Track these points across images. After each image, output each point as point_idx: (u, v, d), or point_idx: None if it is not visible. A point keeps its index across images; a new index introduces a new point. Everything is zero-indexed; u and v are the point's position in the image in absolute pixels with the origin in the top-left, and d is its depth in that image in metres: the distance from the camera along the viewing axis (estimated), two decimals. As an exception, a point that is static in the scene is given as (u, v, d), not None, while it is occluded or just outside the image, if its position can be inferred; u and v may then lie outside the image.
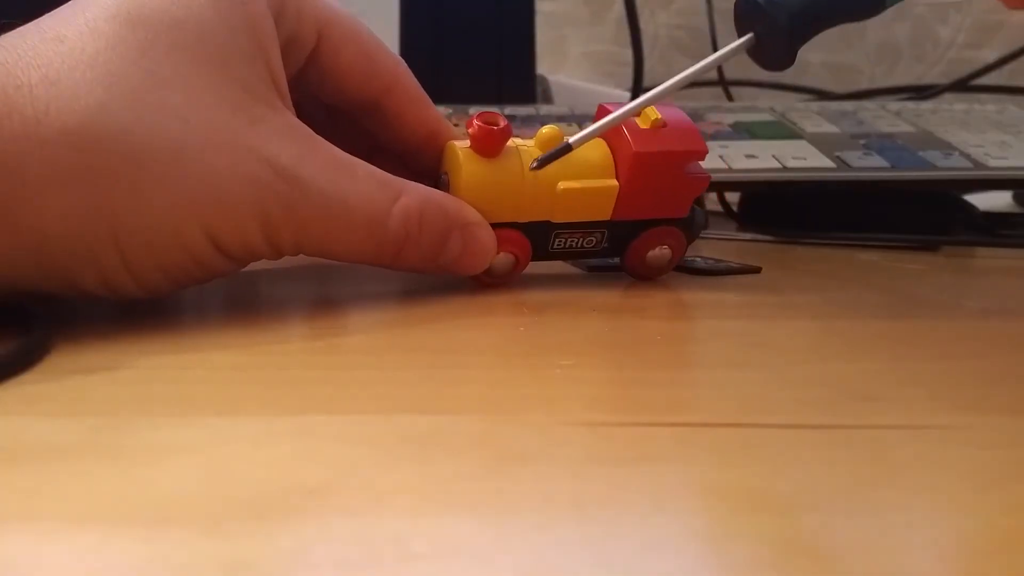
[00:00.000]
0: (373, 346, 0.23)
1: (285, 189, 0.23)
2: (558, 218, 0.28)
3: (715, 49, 0.72)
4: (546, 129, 0.28)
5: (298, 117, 0.25)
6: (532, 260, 0.29)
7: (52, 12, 0.22)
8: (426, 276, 0.30)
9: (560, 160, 0.27)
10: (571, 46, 0.88)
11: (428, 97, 0.30)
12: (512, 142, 0.28)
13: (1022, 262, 0.39)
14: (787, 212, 0.44)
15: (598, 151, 0.29)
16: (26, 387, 0.18)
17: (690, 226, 0.30)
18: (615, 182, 0.28)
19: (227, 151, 0.22)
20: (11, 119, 0.20)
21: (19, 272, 0.21)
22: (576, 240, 0.29)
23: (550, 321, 0.25)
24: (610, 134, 0.29)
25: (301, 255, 0.26)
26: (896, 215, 0.43)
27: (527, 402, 0.18)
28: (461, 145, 0.28)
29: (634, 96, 0.65)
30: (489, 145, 0.27)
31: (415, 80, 0.30)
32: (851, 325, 0.26)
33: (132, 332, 0.23)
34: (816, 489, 0.14)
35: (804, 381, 0.20)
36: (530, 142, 0.28)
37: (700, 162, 0.29)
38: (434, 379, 0.20)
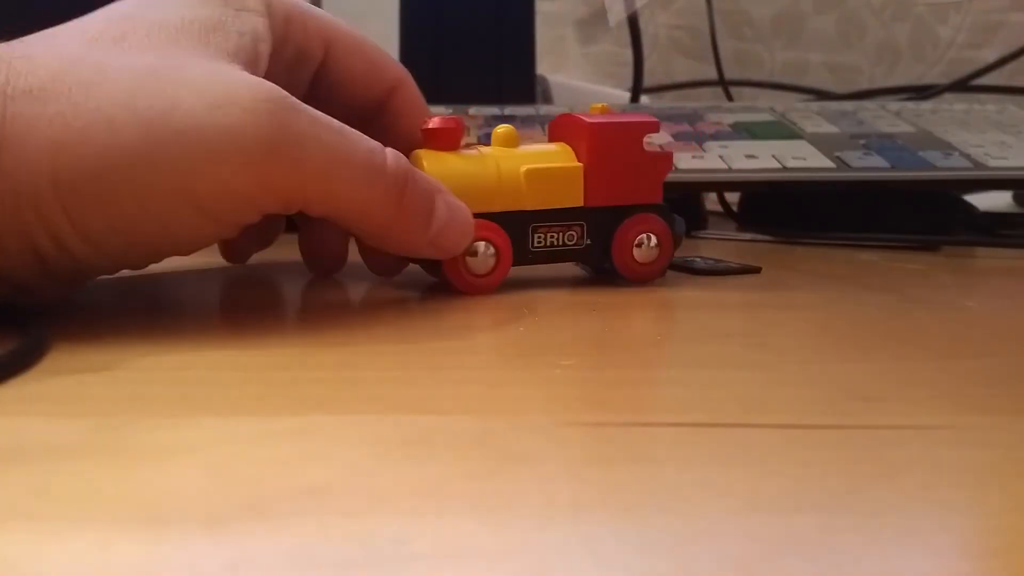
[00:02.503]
0: (373, 346, 0.23)
1: (273, 108, 0.21)
2: (530, 204, 0.29)
3: (715, 49, 0.73)
4: (501, 128, 0.29)
5: None
6: (516, 264, 0.29)
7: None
8: (425, 277, 0.30)
9: (521, 152, 0.29)
10: (571, 46, 0.88)
11: (425, 103, 0.31)
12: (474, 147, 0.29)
13: (1022, 262, 0.39)
14: (787, 212, 0.44)
15: (557, 145, 0.30)
16: (26, 387, 0.18)
17: (668, 214, 0.30)
18: (578, 163, 0.29)
19: (196, 81, 0.21)
20: None
21: None
22: (556, 236, 0.29)
23: (550, 321, 0.25)
24: (565, 133, 0.30)
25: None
26: (896, 215, 0.43)
27: (527, 402, 0.18)
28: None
29: (634, 96, 0.65)
30: (444, 138, 0.28)
31: (415, 86, 0.30)
32: (851, 325, 0.26)
33: (132, 332, 0.23)
34: (816, 489, 0.14)
35: (804, 381, 0.20)
36: (488, 147, 0.29)
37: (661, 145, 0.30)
38: (434, 379, 0.20)
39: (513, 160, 0.29)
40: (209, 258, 0.34)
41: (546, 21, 0.80)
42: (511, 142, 0.29)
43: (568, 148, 0.30)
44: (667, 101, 0.78)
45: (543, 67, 0.64)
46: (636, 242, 0.30)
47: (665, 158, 0.30)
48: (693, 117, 0.49)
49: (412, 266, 0.31)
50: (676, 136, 0.46)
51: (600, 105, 0.31)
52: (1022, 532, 0.13)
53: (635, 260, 0.30)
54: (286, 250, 0.35)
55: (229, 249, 0.32)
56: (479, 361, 0.21)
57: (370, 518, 0.13)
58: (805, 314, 0.27)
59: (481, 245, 0.28)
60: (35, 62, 0.21)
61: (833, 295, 0.30)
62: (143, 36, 0.22)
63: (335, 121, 0.23)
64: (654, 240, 0.30)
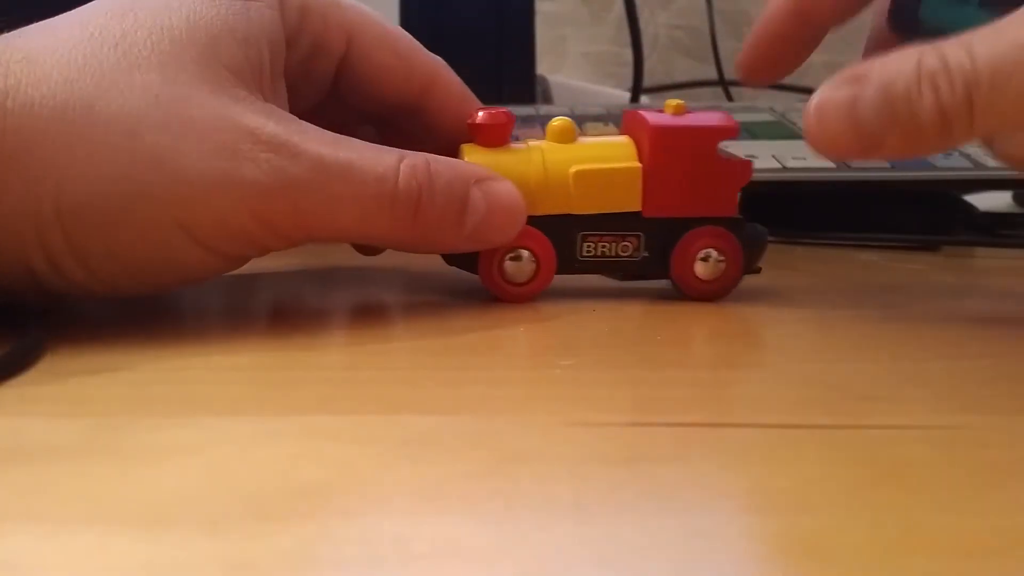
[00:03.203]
0: (373, 346, 0.23)
1: (270, 156, 0.21)
2: (578, 208, 0.26)
3: (715, 49, 0.73)
4: (557, 120, 0.27)
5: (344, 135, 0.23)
6: (560, 271, 0.27)
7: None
8: (427, 279, 0.30)
9: (575, 148, 0.26)
10: (571, 46, 0.88)
11: (471, 93, 0.29)
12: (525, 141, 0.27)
13: (1022, 262, 0.39)
14: (787, 212, 0.44)
15: (619, 140, 0.27)
16: (26, 388, 0.18)
17: (742, 228, 0.27)
18: (637, 163, 0.26)
19: (199, 122, 0.21)
20: None
21: None
22: (608, 246, 0.27)
23: (550, 321, 0.25)
24: (631, 128, 0.27)
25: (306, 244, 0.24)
26: (896, 215, 0.43)
27: (527, 402, 0.18)
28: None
29: (634, 96, 0.65)
30: (490, 133, 0.26)
31: (456, 77, 0.28)
32: (851, 325, 0.26)
33: (131, 332, 0.23)
34: (816, 489, 0.14)
35: (804, 381, 0.20)
36: (542, 141, 0.27)
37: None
38: (434, 379, 0.20)
39: (563, 158, 0.26)
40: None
41: (546, 21, 0.80)
42: (566, 136, 0.27)
43: (631, 144, 0.27)
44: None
45: (543, 67, 0.64)
46: (700, 256, 0.27)
47: (743, 167, 0.27)
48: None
49: (408, 265, 0.31)
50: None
51: (675, 102, 0.27)
52: (1022, 532, 0.13)
53: (696, 276, 0.27)
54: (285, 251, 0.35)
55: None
56: (479, 361, 0.21)
57: (370, 518, 0.13)
58: (805, 314, 0.27)
59: (521, 253, 0.26)
60: (36, 69, 0.20)
61: (833, 295, 0.30)
62: (144, 40, 0.22)
63: (343, 149, 0.23)
64: (718, 256, 0.27)
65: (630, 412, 0.18)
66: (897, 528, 0.13)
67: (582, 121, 0.49)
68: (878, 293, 0.31)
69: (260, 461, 0.15)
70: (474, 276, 0.27)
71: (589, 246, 0.27)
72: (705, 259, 0.27)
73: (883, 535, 0.12)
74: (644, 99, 0.67)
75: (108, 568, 0.11)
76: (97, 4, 0.23)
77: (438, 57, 0.28)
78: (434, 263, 0.31)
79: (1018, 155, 0.24)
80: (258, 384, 0.19)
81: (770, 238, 0.28)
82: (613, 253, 0.27)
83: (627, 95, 0.68)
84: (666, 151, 0.26)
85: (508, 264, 0.26)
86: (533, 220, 0.26)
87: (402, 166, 0.23)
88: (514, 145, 0.26)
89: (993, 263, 0.40)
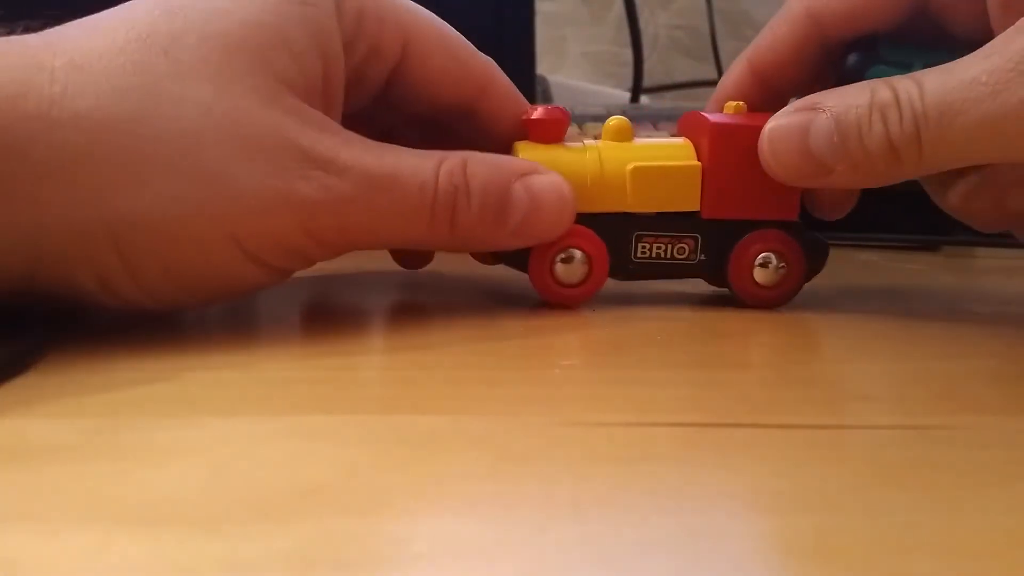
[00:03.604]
0: (373, 347, 0.23)
1: (319, 174, 0.21)
2: (635, 206, 0.26)
3: (715, 49, 0.73)
4: (613, 120, 0.26)
5: (389, 138, 0.23)
6: (613, 274, 0.26)
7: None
8: (427, 280, 0.30)
9: (632, 147, 0.26)
10: (571, 46, 0.88)
11: (521, 95, 0.28)
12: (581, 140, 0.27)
13: (1022, 262, 0.39)
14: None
15: (677, 141, 0.27)
16: (26, 388, 0.18)
17: (801, 233, 0.26)
18: (696, 162, 0.26)
19: (251, 141, 0.21)
20: (26, 99, 0.19)
21: (15, 266, 0.20)
22: (663, 248, 0.26)
23: (550, 321, 0.25)
24: (690, 129, 0.27)
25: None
26: (896, 215, 0.43)
27: (527, 402, 0.18)
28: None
29: (634, 96, 0.65)
30: (546, 129, 0.26)
31: (507, 79, 0.28)
32: (851, 325, 0.26)
33: (131, 333, 0.23)
34: (816, 489, 0.14)
35: (804, 381, 0.20)
36: (598, 140, 0.27)
37: None
38: (434, 379, 0.20)
39: (620, 156, 0.26)
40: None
41: (546, 21, 0.80)
42: (624, 136, 0.26)
43: (689, 144, 0.26)
44: (667, 101, 0.78)
45: (543, 67, 0.64)
46: (759, 261, 0.26)
47: None
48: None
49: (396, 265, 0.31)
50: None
51: (735, 104, 0.27)
52: (1022, 532, 0.13)
53: (755, 282, 0.26)
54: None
55: (400, 257, 0.31)
56: (479, 361, 0.21)
57: (370, 518, 0.13)
58: (805, 314, 0.27)
59: (573, 253, 0.26)
60: (83, 76, 0.20)
61: (833, 295, 0.30)
62: (195, 46, 0.21)
63: (388, 160, 0.23)
64: (778, 261, 0.26)
65: (630, 412, 0.18)
66: (897, 528, 0.13)
67: (582, 121, 0.49)
68: (878, 293, 0.31)
69: (260, 461, 0.15)
70: (470, 277, 0.27)
71: (644, 247, 0.26)
72: (765, 264, 0.26)
73: (883, 535, 0.12)
74: (644, 99, 0.67)
75: (108, 568, 0.11)
76: (142, 1, 0.22)
77: (489, 58, 0.27)
78: (434, 263, 0.31)
79: (958, 205, 0.25)
80: (258, 384, 0.19)
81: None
82: (669, 255, 0.26)
83: (627, 95, 0.68)
84: (726, 150, 0.26)
85: (559, 266, 0.26)
86: (586, 220, 0.26)
87: (441, 171, 0.23)
88: (569, 144, 0.26)
89: (993, 263, 0.40)
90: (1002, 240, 0.43)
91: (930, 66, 0.23)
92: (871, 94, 0.23)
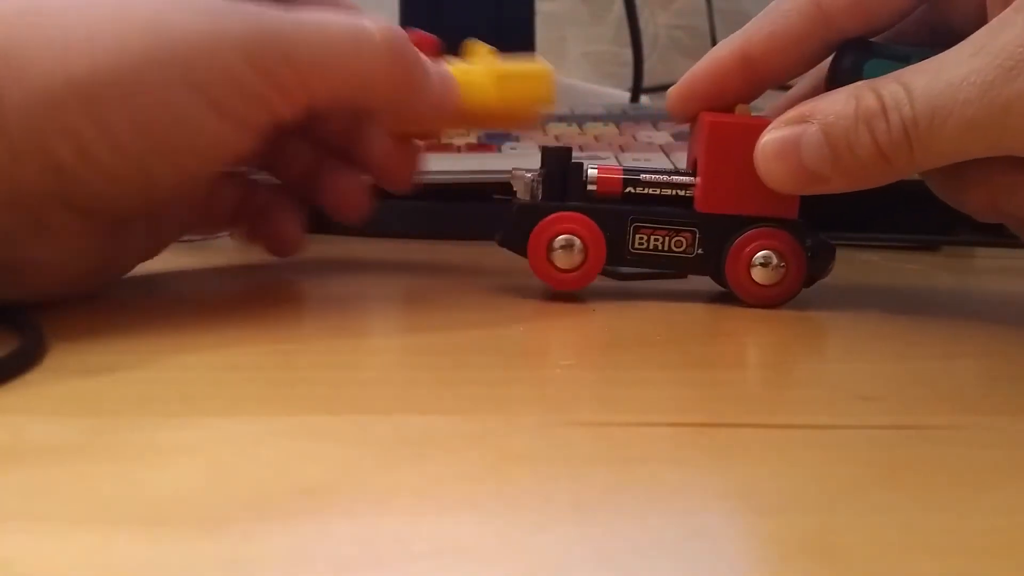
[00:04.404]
0: (373, 346, 0.23)
1: (253, 8, 0.23)
2: (498, 104, 0.28)
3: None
4: (475, 44, 0.29)
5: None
6: (610, 263, 0.27)
7: None
8: (428, 280, 0.30)
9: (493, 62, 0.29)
10: (571, 46, 0.88)
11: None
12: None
13: (1022, 262, 0.39)
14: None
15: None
16: (26, 387, 0.18)
17: (802, 233, 0.27)
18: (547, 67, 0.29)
19: None
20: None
21: None
22: (661, 240, 0.27)
23: (550, 321, 0.25)
24: (696, 132, 0.28)
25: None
26: (896, 215, 0.43)
27: (527, 402, 0.18)
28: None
29: (634, 96, 0.65)
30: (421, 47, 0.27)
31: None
32: (851, 325, 0.26)
33: (131, 332, 0.23)
34: (816, 489, 0.14)
35: (804, 381, 0.20)
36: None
37: None
38: (434, 379, 0.20)
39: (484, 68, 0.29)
40: (208, 259, 0.35)
41: (546, 21, 0.80)
42: (486, 58, 0.29)
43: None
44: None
45: (543, 67, 0.63)
46: (758, 260, 0.26)
47: None
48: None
49: (408, 266, 0.31)
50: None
51: (741, 105, 0.27)
52: (1022, 532, 0.13)
53: (752, 280, 0.26)
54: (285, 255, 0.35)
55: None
56: (479, 361, 0.21)
57: (370, 518, 0.13)
58: (804, 314, 0.27)
59: (572, 240, 0.26)
60: None
61: (833, 295, 0.30)
62: None
63: (316, 13, 0.24)
64: (777, 260, 0.26)
65: (630, 412, 0.18)
66: (897, 528, 0.13)
67: (582, 121, 0.49)
68: (878, 293, 0.31)
69: (260, 461, 0.15)
70: (470, 277, 0.27)
71: (642, 238, 0.27)
72: (765, 263, 0.26)
73: (883, 535, 0.12)
74: (644, 99, 0.67)
75: (108, 568, 0.11)
76: None
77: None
78: (435, 264, 0.31)
79: (957, 199, 0.25)
80: (258, 384, 0.19)
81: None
82: (666, 247, 0.27)
83: (627, 95, 0.68)
84: (722, 146, 0.26)
85: (557, 252, 0.27)
86: (584, 208, 0.27)
87: (375, 24, 0.25)
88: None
89: (993, 263, 0.40)
90: (1002, 240, 0.43)
91: (926, 58, 0.23)
92: (856, 103, 0.23)
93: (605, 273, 0.28)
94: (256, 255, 0.33)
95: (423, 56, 0.26)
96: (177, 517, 0.13)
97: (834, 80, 0.26)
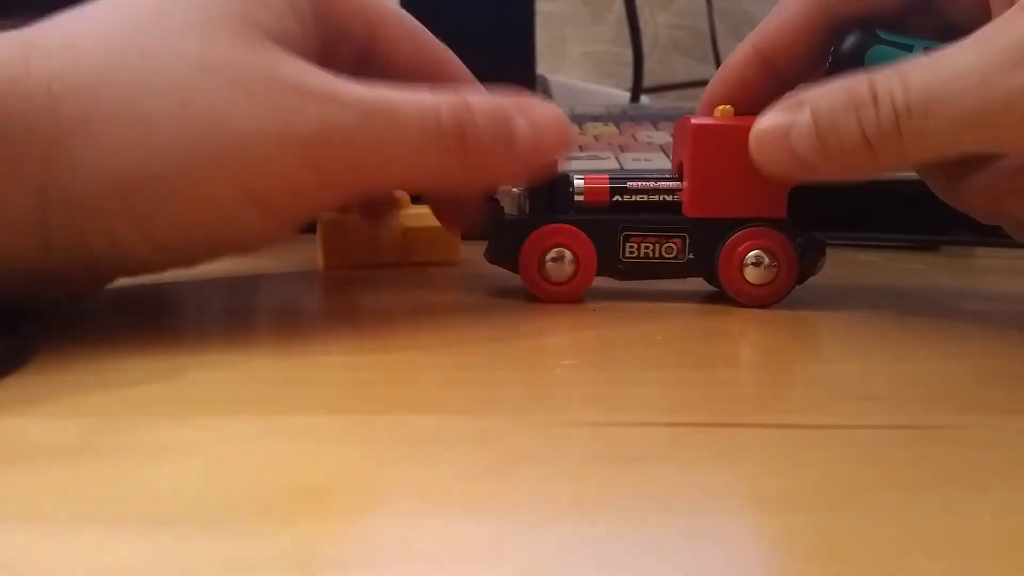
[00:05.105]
0: (373, 347, 0.23)
1: (317, 106, 0.21)
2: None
3: (715, 49, 0.73)
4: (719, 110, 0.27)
5: None
6: (603, 274, 0.27)
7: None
8: (428, 281, 0.30)
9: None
10: (571, 46, 0.88)
11: (475, 80, 0.29)
12: None
13: (1022, 262, 0.39)
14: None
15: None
16: (25, 387, 0.18)
17: (792, 231, 0.27)
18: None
19: (245, 84, 0.21)
20: (28, 78, 0.20)
21: (30, 241, 0.20)
22: (652, 247, 0.27)
23: (550, 321, 0.25)
24: (681, 136, 0.28)
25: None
26: (896, 215, 0.43)
27: (527, 402, 0.18)
28: None
29: (634, 96, 0.65)
30: None
31: (462, 64, 0.29)
32: (851, 325, 0.26)
33: (131, 332, 0.23)
34: (816, 489, 0.14)
35: (804, 381, 0.20)
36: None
37: None
38: (434, 379, 0.20)
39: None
40: (210, 266, 0.35)
41: (546, 21, 0.80)
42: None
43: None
44: (667, 101, 0.78)
45: (543, 67, 0.64)
46: (750, 260, 0.27)
47: None
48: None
49: (409, 267, 0.31)
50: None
51: (723, 107, 0.27)
52: (1022, 532, 0.13)
53: (745, 280, 0.27)
54: (284, 253, 0.35)
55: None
56: (479, 361, 0.21)
57: (370, 518, 0.13)
58: (804, 314, 0.27)
59: (562, 252, 0.27)
60: (80, 53, 0.20)
61: (833, 295, 0.30)
62: (180, 9, 0.22)
63: (382, 93, 0.23)
64: (769, 260, 0.26)
65: (630, 412, 0.18)
66: (897, 528, 0.13)
67: (582, 121, 0.49)
68: (878, 293, 0.31)
69: (260, 461, 0.15)
70: (469, 277, 0.27)
71: (632, 247, 0.27)
72: (756, 263, 0.26)
73: (883, 535, 0.12)
74: (644, 99, 0.67)
75: (108, 568, 0.11)
76: None
77: (445, 46, 0.28)
78: (434, 264, 0.31)
79: (957, 198, 0.25)
80: (258, 384, 0.19)
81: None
82: (657, 255, 0.27)
83: (627, 95, 0.68)
84: (708, 149, 0.26)
85: (548, 265, 0.27)
86: (574, 221, 0.26)
87: (442, 102, 0.23)
88: None
89: (993, 263, 0.40)
90: (1002, 240, 0.43)
91: (930, 47, 0.23)
92: (848, 91, 0.23)
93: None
94: (255, 261, 0.33)
95: (509, 115, 0.24)
96: (177, 517, 0.13)
97: (835, 66, 0.26)
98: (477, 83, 0.29)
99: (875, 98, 0.22)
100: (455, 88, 0.24)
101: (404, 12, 0.27)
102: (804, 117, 0.23)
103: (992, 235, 0.44)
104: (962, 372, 0.21)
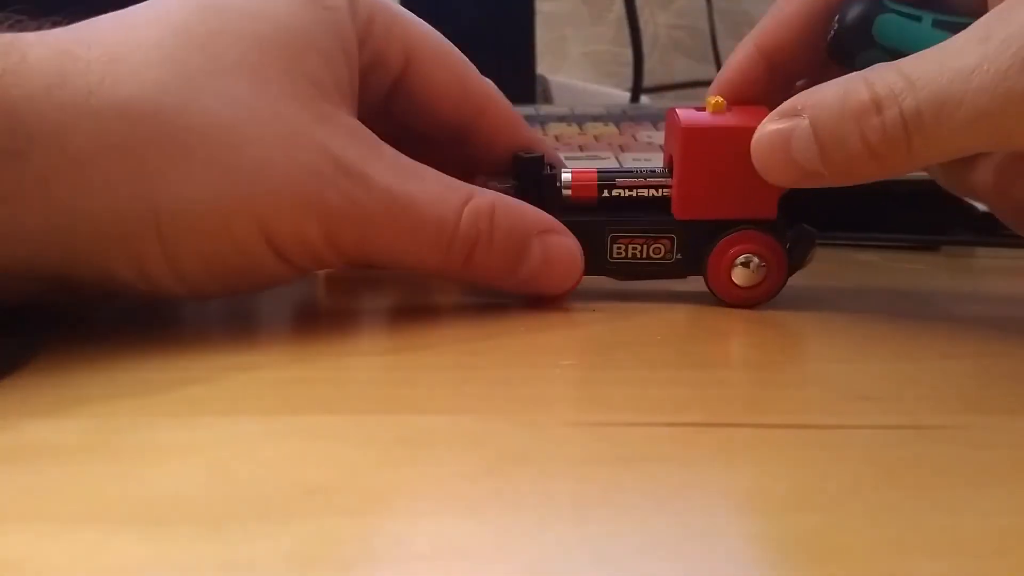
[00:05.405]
0: (373, 347, 0.23)
1: (348, 185, 0.22)
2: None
3: (715, 49, 0.73)
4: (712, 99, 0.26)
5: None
6: (590, 272, 0.26)
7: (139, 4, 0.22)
8: (428, 281, 0.30)
9: None
10: (571, 46, 0.88)
11: (521, 118, 0.29)
12: None
13: (1022, 262, 0.39)
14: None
15: None
16: (26, 388, 0.18)
17: (782, 232, 0.26)
18: None
19: (289, 142, 0.21)
20: (63, 89, 0.19)
21: (51, 257, 0.20)
22: (639, 248, 0.27)
23: (549, 321, 0.25)
24: (672, 130, 0.27)
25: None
26: (896, 215, 0.43)
27: (527, 402, 0.18)
28: None
29: (634, 96, 0.65)
30: None
31: (507, 101, 0.28)
32: (851, 325, 0.26)
33: (131, 332, 0.23)
34: (816, 489, 0.14)
35: (804, 381, 0.20)
36: None
37: None
38: (434, 379, 0.20)
39: None
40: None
41: (546, 21, 0.80)
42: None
43: None
44: (667, 101, 0.78)
45: (543, 67, 0.64)
46: (739, 262, 0.26)
47: None
48: (693, 117, 0.49)
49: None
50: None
51: (716, 99, 0.26)
52: (1022, 532, 0.13)
53: (734, 282, 0.26)
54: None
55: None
56: (479, 361, 0.21)
57: (370, 518, 0.13)
58: (805, 314, 0.27)
59: None
60: (120, 68, 0.20)
61: (833, 295, 0.30)
62: (232, 45, 0.21)
63: (413, 183, 0.23)
64: (758, 262, 0.26)
65: (630, 412, 0.18)
66: (897, 528, 0.13)
67: (582, 121, 0.49)
68: (878, 293, 0.31)
69: (260, 461, 0.15)
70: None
71: (619, 248, 0.27)
72: (745, 264, 0.26)
73: (883, 535, 0.12)
74: (644, 99, 0.67)
75: (108, 568, 0.11)
76: None
77: (489, 80, 0.28)
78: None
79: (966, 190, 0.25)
80: (258, 384, 0.19)
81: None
82: (645, 255, 0.27)
83: (627, 95, 0.68)
84: (697, 151, 0.26)
85: None
86: (561, 221, 0.26)
87: (466, 209, 0.24)
88: None
89: (993, 263, 0.39)
90: (1002, 240, 0.43)
91: (940, 20, 0.22)
92: (844, 95, 0.22)
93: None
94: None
95: (527, 237, 0.25)
96: (177, 517, 0.13)
97: (838, 37, 0.24)
98: (515, 114, 0.28)
99: (877, 104, 0.21)
100: (492, 194, 0.24)
101: (442, 38, 0.27)
102: (803, 126, 0.23)
103: (992, 235, 0.44)
104: (961, 372, 0.21)
